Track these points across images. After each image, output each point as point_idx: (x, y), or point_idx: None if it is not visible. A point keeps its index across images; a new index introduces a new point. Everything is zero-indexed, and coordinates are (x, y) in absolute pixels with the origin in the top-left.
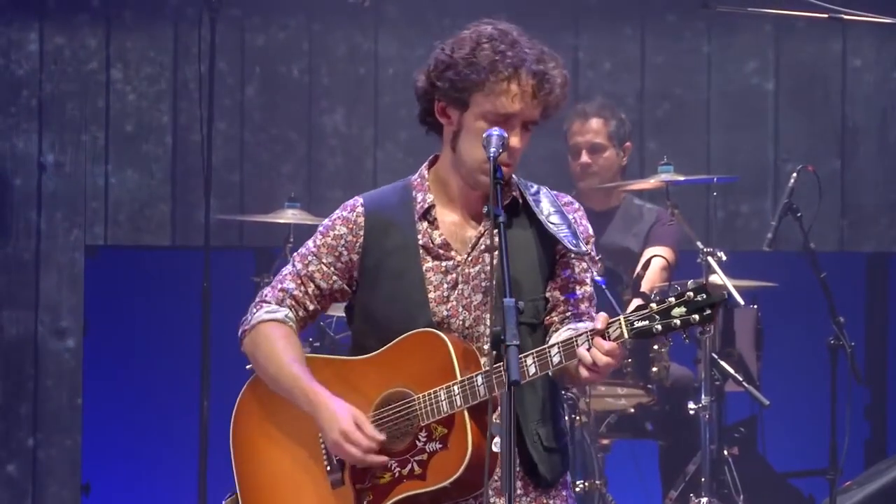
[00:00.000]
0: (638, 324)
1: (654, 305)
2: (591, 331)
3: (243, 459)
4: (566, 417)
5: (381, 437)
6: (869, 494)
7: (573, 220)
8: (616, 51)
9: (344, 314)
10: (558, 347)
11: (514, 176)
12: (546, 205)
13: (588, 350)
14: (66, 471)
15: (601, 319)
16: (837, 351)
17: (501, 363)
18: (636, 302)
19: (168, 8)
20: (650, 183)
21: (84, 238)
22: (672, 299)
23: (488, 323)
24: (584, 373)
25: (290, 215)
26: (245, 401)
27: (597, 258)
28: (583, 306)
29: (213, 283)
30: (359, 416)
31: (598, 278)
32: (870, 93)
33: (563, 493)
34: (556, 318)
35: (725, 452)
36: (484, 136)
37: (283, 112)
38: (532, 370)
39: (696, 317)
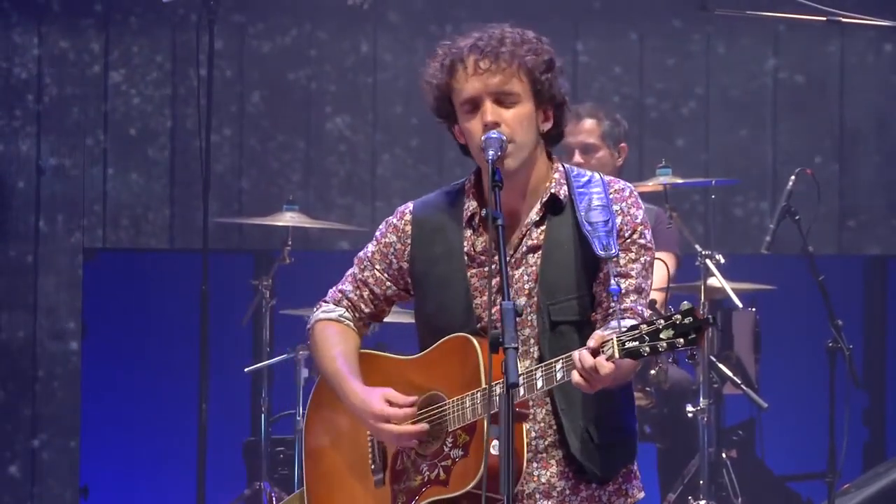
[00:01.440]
0: (629, 344)
1: (644, 326)
2: (585, 348)
3: (309, 454)
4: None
5: (412, 399)
6: (867, 497)
7: (620, 211)
8: (616, 54)
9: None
10: (542, 371)
11: (562, 166)
12: (591, 199)
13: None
14: (66, 473)
15: (595, 338)
16: (836, 354)
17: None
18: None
19: (171, 13)
20: (649, 185)
21: (83, 241)
22: (661, 321)
23: (489, 325)
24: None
25: (288, 218)
26: (315, 396)
27: (649, 245)
28: (627, 300)
29: (212, 286)
30: (387, 392)
31: (612, 287)
32: (868, 96)
33: (624, 488)
34: (598, 316)
35: (724, 455)
36: (483, 138)
37: (289, 118)
38: (521, 391)
39: (682, 340)
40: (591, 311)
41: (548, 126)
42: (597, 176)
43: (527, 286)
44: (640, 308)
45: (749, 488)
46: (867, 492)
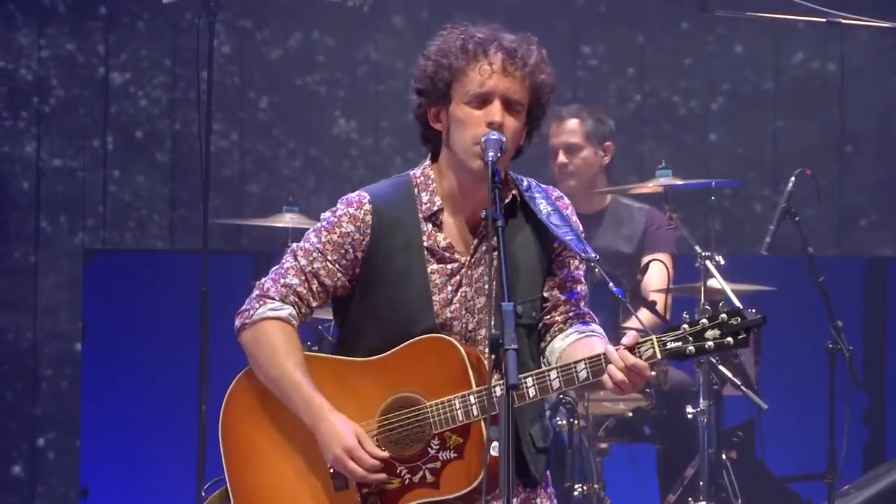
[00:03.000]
0: (671, 345)
1: (686, 327)
2: (622, 346)
3: (236, 456)
4: (563, 421)
5: (385, 454)
6: (867, 498)
7: (569, 217)
8: (616, 56)
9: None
10: (557, 372)
11: (510, 173)
12: (543, 202)
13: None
14: (66, 474)
15: (631, 337)
16: (836, 355)
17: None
18: (642, 310)
19: (178, 16)
20: (649, 187)
21: (83, 242)
22: (705, 321)
23: (489, 327)
24: (610, 388)
25: (288, 219)
26: (237, 395)
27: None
28: (582, 305)
29: (212, 286)
30: (360, 433)
31: (615, 289)
32: (868, 97)
33: (548, 491)
34: (558, 318)
35: (724, 456)
36: (484, 139)
37: (300, 123)
38: (532, 392)
39: (731, 340)
40: (541, 314)
41: (522, 143)
42: (534, 182)
43: (485, 287)
44: (592, 314)
45: (749, 489)
46: (867, 493)
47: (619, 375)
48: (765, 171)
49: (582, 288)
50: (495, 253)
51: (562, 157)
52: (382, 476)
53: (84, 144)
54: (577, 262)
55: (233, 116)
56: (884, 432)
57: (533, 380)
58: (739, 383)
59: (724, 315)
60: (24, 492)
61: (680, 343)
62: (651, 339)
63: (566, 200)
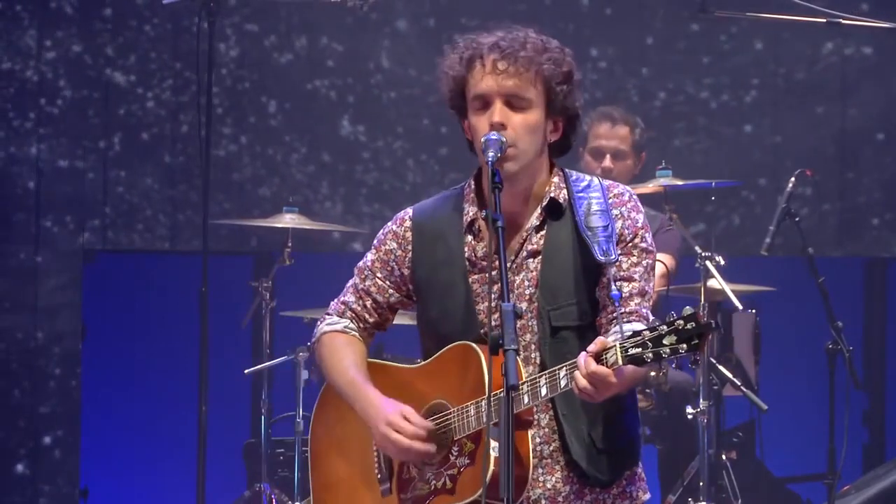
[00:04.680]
0: (632, 350)
1: (646, 332)
2: (586, 352)
3: (315, 463)
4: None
5: (430, 424)
6: (867, 499)
7: (619, 215)
8: (616, 56)
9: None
10: (545, 378)
11: (562, 171)
12: (590, 203)
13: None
14: (66, 475)
15: (597, 344)
16: (836, 355)
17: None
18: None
19: (186, 19)
20: (649, 187)
21: (83, 242)
22: (664, 327)
23: (490, 328)
24: (577, 395)
25: (287, 220)
26: (320, 406)
27: (650, 248)
28: (632, 304)
29: (212, 287)
30: (406, 409)
31: (613, 293)
32: (868, 97)
33: (628, 490)
34: (603, 321)
35: (724, 457)
36: (483, 139)
37: (312, 128)
38: (526, 399)
39: (685, 346)
40: (593, 316)
41: (556, 136)
42: (596, 181)
43: (527, 291)
44: (644, 311)
45: (749, 490)
46: (867, 493)
47: (582, 382)
48: (765, 171)
49: (632, 286)
50: (496, 253)
51: (608, 162)
52: (427, 447)
53: (90, 146)
54: (631, 259)
55: (245, 122)
56: (884, 433)
57: (527, 386)
58: (739, 384)
59: (680, 321)
60: (29, 490)
61: (640, 349)
62: (615, 346)
63: (627, 196)
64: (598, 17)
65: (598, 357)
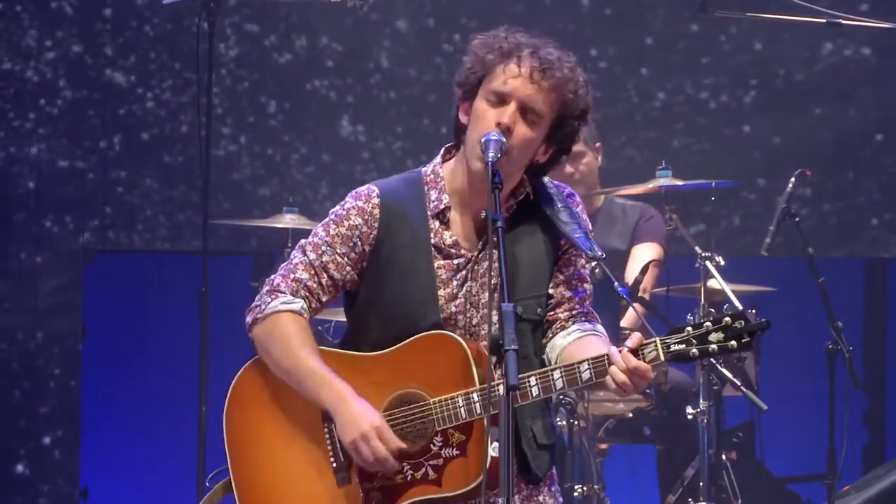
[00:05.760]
0: (674, 347)
1: (690, 329)
2: (624, 348)
3: (238, 446)
4: (563, 422)
5: (402, 445)
6: (867, 499)
7: (578, 215)
8: (616, 56)
9: (344, 315)
10: (560, 371)
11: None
12: (554, 199)
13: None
14: (66, 475)
15: (634, 339)
16: (835, 355)
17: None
18: (637, 307)
19: (186, 19)
20: (648, 188)
21: (83, 242)
22: (709, 324)
23: (490, 327)
24: (613, 389)
25: (288, 220)
26: (243, 384)
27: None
28: (587, 303)
29: (212, 287)
30: (381, 422)
31: (620, 288)
32: (868, 98)
33: (552, 489)
34: (561, 315)
35: (724, 457)
36: (482, 140)
37: (312, 128)
38: (535, 391)
39: (735, 343)
40: (546, 311)
41: (542, 160)
42: (546, 178)
43: (493, 282)
44: (594, 312)
45: (749, 490)
46: (867, 493)
47: (621, 377)
48: (765, 171)
49: (587, 287)
50: (496, 252)
51: (569, 168)
52: (397, 465)
53: (90, 146)
54: (583, 261)
55: (244, 123)
56: (884, 433)
57: (536, 379)
58: (739, 384)
59: (727, 318)
60: (29, 490)
61: (683, 346)
62: (655, 342)
63: (578, 198)
64: (597, 17)
65: (636, 352)
